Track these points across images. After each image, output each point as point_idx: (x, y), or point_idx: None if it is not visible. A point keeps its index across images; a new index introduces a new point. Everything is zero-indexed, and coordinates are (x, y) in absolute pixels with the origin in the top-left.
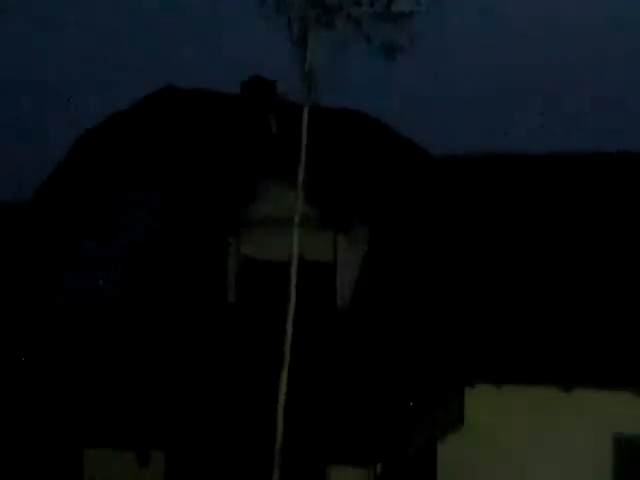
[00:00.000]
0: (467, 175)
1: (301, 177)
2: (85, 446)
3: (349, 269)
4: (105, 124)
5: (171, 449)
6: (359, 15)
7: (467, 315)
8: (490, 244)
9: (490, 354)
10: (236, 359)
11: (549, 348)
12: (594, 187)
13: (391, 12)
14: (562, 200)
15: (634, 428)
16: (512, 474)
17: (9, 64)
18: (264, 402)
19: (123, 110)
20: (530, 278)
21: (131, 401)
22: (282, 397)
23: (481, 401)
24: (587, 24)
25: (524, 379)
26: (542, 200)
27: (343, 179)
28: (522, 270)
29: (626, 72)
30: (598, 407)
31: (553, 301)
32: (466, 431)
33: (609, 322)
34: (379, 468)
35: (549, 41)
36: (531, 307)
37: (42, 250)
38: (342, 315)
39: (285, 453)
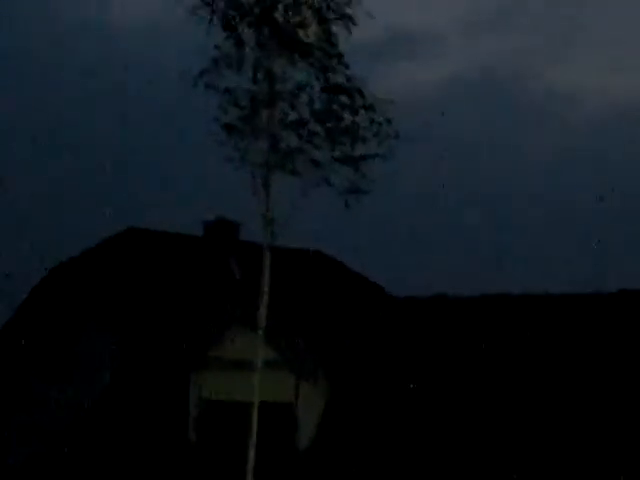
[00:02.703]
0: (428, 315)
1: (262, 320)
2: None
3: (310, 410)
4: (66, 264)
5: None
6: (320, 159)
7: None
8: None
9: None
10: None
11: None
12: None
13: (352, 156)
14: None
15: None
16: None
17: None
18: None
19: (85, 251)
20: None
21: None
22: None
23: None
24: None
25: None
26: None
27: (304, 321)
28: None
29: None
30: None
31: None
32: None
33: None
34: None
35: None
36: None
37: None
38: (302, 456)
39: None
